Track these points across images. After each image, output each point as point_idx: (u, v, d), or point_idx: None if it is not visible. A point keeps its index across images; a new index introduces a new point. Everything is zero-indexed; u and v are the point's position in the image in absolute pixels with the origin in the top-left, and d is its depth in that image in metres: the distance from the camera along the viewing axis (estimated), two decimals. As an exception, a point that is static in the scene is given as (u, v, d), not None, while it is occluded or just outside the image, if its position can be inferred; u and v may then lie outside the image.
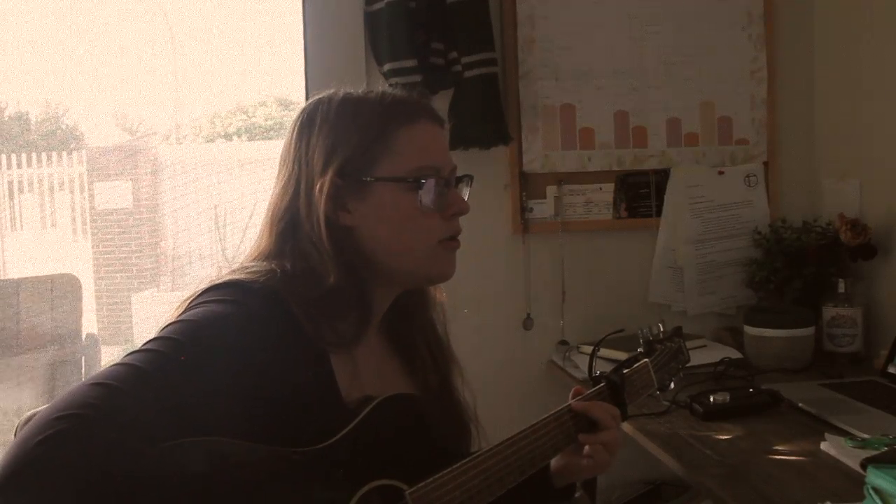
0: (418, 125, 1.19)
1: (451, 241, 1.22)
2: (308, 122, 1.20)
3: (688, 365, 1.58)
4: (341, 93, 1.21)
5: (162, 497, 0.87)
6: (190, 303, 1.09)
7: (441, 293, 1.32)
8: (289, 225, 1.17)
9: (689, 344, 1.62)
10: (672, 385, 1.53)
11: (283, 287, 1.10)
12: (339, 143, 1.16)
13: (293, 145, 1.20)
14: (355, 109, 1.18)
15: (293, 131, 1.21)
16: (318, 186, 1.15)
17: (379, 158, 1.16)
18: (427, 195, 1.17)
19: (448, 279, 1.23)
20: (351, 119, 1.17)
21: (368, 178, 1.16)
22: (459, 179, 1.25)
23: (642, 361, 1.45)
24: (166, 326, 1.03)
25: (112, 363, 0.96)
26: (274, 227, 1.18)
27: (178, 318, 1.05)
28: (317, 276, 1.13)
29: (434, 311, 1.31)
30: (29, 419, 0.91)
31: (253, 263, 1.16)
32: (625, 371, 1.39)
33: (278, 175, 1.22)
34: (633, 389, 1.39)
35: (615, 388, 1.34)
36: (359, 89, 1.23)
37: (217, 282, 1.11)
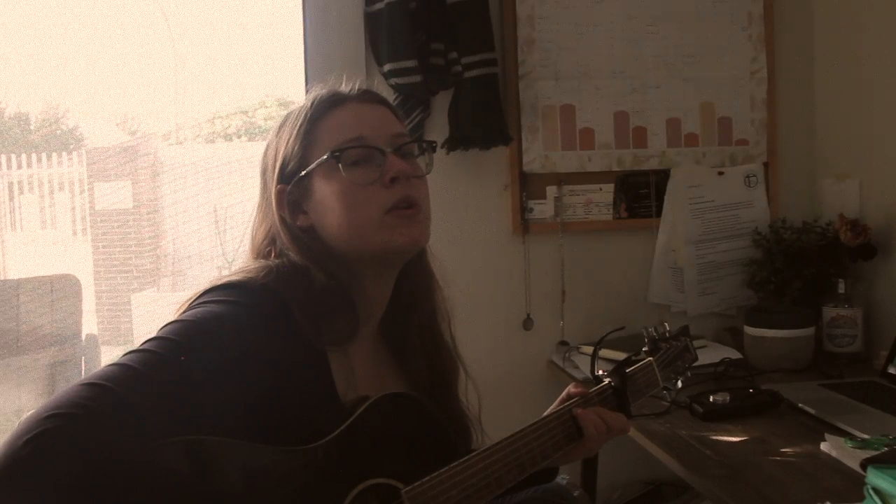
0: (341, 109, 1.21)
1: (407, 208, 1.17)
2: (266, 145, 1.26)
3: (695, 364, 1.58)
4: (285, 113, 1.27)
5: (151, 496, 0.87)
6: (190, 304, 1.09)
7: (441, 289, 1.31)
8: (270, 243, 1.22)
9: (692, 342, 1.61)
10: (679, 384, 1.53)
11: (280, 285, 1.10)
12: (279, 152, 1.21)
13: (259, 167, 1.26)
14: (290, 117, 1.23)
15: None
16: (273, 200, 1.20)
17: (310, 153, 1.19)
18: (349, 168, 1.16)
19: (417, 245, 1.20)
20: (286, 128, 1.22)
21: (303, 174, 1.18)
22: (405, 147, 1.21)
23: (646, 360, 1.45)
24: (164, 326, 1.04)
25: (108, 364, 0.96)
26: (255, 249, 1.23)
27: (177, 319, 1.05)
28: (307, 276, 1.14)
29: (432, 309, 1.30)
30: (28, 419, 0.91)
31: (249, 263, 1.17)
32: (628, 370, 1.38)
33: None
34: (637, 388, 1.39)
35: (617, 388, 1.34)
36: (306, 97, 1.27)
37: (216, 283, 1.12)
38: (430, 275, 1.29)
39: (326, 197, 1.17)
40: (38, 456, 0.82)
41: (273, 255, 1.20)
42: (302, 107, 1.23)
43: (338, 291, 1.15)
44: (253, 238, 1.24)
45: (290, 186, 1.19)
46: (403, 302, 1.27)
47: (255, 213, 1.25)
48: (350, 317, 1.15)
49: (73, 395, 0.88)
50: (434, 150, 1.27)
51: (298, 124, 1.20)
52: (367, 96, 1.24)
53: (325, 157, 1.17)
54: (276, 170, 1.20)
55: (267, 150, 1.25)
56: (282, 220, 1.19)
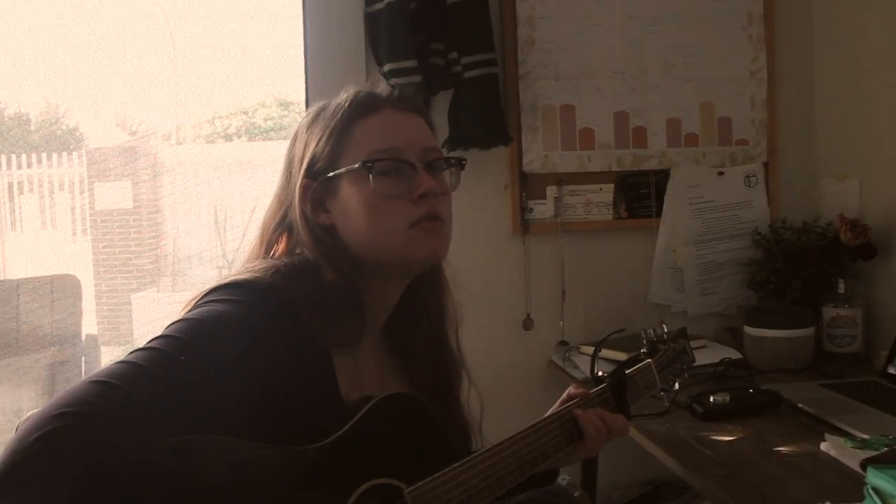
0: (379, 114, 1.20)
1: (430, 221, 1.17)
2: (294, 134, 1.25)
3: (693, 365, 1.58)
4: (323, 101, 1.25)
5: (160, 494, 0.87)
6: (196, 303, 1.09)
7: (453, 295, 1.31)
8: (283, 232, 1.21)
9: (690, 344, 1.62)
10: (677, 386, 1.53)
11: (287, 284, 1.10)
12: (309, 146, 1.20)
13: (285, 156, 1.25)
14: (325, 113, 1.22)
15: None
16: (298, 192, 1.19)
17: (341, 154, 1.18)
18: (378, 179, 1.16)
19: (437, 258, 1.21)
20: (320, 122, 1.21)
21: (331, 175, 1.18)
22: (435, 162, 1.22)
23: (645, 362, 1.45)
24: (170, 325, 1.04)
25: (115, 361, 0.96)
26: (265, 237, 1.22)
27: (183, 317, 1.05)
28: (316, 274, 1.15)
29: (441, 314, 1.30)
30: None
31: (255, 262, 1.17)
32: (627, 371, 1.38)
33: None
34: (636, 389, 1.39)
35: (617, 389, 1.34)
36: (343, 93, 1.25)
37: (222, 282, 1.11)
38: (443, 281, 1.30)
39: (352, 202, 1.17)
40: (47, 453, 0.82)
41: (282, 243, 1.21)
42: (338, 104, 1.21)
43: (348, 291, 1.15)
44: (264, 224, 1.23)
45: (316, 183, 1.18)
46: (412, 305, 1.27)
47: (271, 199, 1.24)
48: (358, 318, 1.15)
49: (82, 392, 0.88)
50: (463, 167, 1.26)
51: (333, 123, 1.19)
52: (404, 103, 1.23)
53: (356, 165, 1.16)
54: (304, 164, 1.19)
55: (296, 140, 1.23)
56: (303, 214, 1.18)
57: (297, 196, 1.19)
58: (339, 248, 1.18)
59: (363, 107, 1.20)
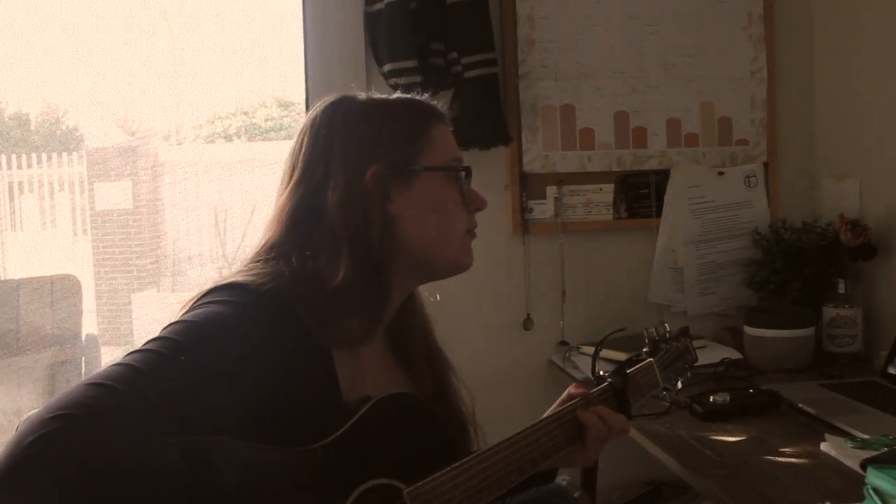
0: (444, 124, 1.26)
1: (472, 232, 1.27)
2: (336, 120, 1.21)
3: (695, 365, 1.58)
4: (363, 95, 1.26)
5: (156, 497, 0.87)
6: (193, 303, 1.09)
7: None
8: (307, 217, 1.17)
9: (692, 343, 1.61)
10: (679, 385, 1.53)
11: (289, 288, 1.09)
12: (382, 135, 1.20)
13: (319, 142, 1.20)
14: (389, 107, 1.25)
15: (311, 129, 1.21)
16: (369, 175, 1.16)
17: (422, 151, 1.21)
18: (465, 186, 1.24)
19: (468, 269, 1.27)
20: (388, 113, 1.23)
21: (416, 168, 1.20)
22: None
23: (647, 361, 1.45)
24: (167, 327, 1.03)
25: (111, 363, 0.96)
26: (288, 220, 1.18)
27: (180, 319, 1.05)
28: (326, 275, 1.13)
29: (423, 310, 1.32)
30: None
31: (257, 263, 1.15)
32: (629, 371, 1.38)
33: (291, 171, 1.21)
34: (637, 389, 1.39)
35: (618, 388, 1.34)
36: (367, 93, 1.27)
37: (221, 283, 1.11)
38: None
39: (434, 197, 1.21)
40: (43, 456, 0.82)
41: (304, 234, 1.17)
42: (398, 102, 1.25)
43: (365, 290, 1.14)
44: (288, 208, 1.18)
45: (390, 172, 1.18)
46: (406, 308, 1.28)
47: (291, 184, 1.19)
48: (370, 315, 1.16)
49: (78, 395, 0.88)
50: None
51: (408, 120, 1.22)
52: (446, 119, 1.28)
53: (450, 167, 1.22)
54: (378, 153, 1.18)
55: (347, 130, 1.19)
56: (381, 202, 1.17)
57: (374, 182, 1.16)
58: (387, 240, 1.17)
59: (430, 113, 1.25)
